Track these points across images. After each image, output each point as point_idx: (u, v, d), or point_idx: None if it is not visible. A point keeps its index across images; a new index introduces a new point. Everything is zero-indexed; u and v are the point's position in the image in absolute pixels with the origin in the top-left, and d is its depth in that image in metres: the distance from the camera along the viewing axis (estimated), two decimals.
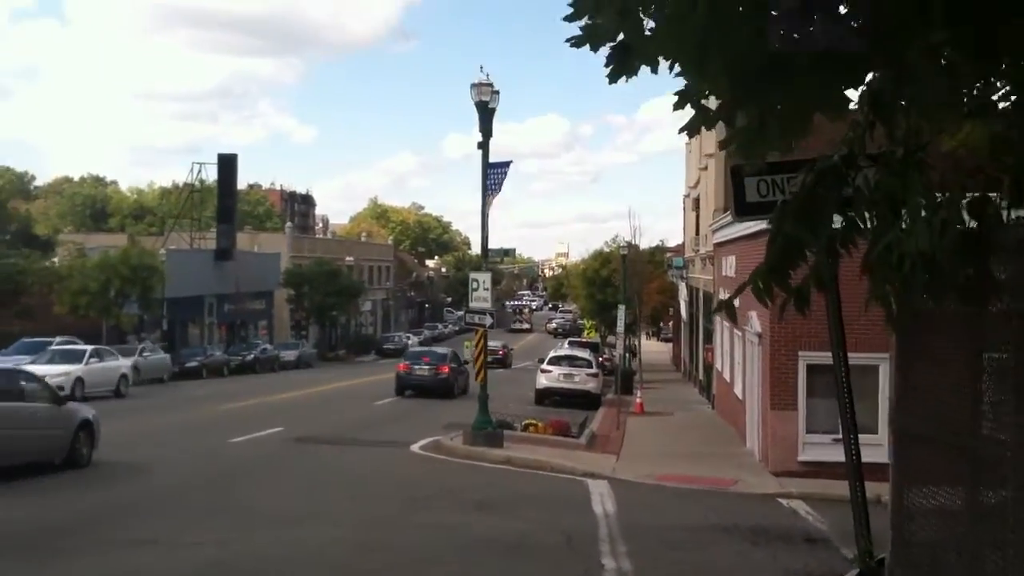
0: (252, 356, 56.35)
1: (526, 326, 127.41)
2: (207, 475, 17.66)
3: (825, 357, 20.24)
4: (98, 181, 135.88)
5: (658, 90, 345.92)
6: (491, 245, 24.83)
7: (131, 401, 34.80)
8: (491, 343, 69.44)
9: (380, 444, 22.86)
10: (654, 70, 5.04)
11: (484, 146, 21.86)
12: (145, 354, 44.37)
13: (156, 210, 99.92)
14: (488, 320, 21.75)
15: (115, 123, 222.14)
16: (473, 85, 21.78)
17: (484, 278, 22.08)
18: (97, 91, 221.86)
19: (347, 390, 41.48)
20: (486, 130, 21.90)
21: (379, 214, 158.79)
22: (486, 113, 21.84)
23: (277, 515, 14.04)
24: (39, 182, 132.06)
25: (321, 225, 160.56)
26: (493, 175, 21.46)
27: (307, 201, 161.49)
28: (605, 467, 20.10)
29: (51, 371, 30.90)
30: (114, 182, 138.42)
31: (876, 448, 20.45)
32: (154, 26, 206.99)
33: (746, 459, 22.15)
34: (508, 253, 30.31)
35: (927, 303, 5.86)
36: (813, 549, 13.78)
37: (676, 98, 5.13)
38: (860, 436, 18.47)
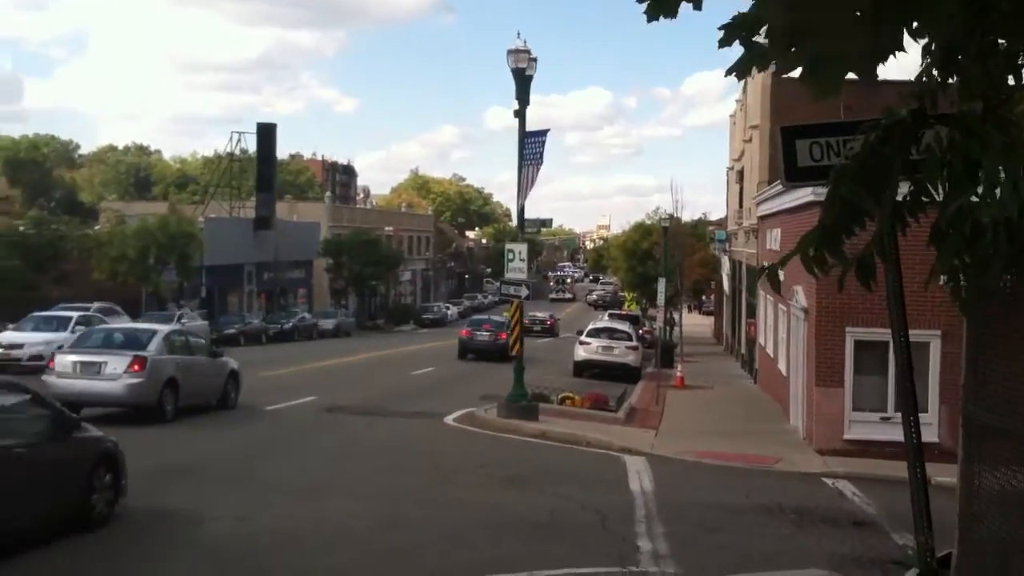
0: (290, 324, 56.29)
1: (568, 295, 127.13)
2: (237, 445, 17.34)
3: (873, 333, 19.62)
4: (142, 150, 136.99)
5: (704, 64, 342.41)
6: (530, 216, 24.28)
7: None
8: (539, 313, 71.33)
9: (413, 416, 22.45)
10: (697, 6, 4.38)
11: (521, 114, 21.24)
12: (183, 321, 44.24)
13: (199, 179, 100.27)
14: (524, 292, 21.21)
15: (160, 94, 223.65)
16: (510, 51, 21.14)
17: (520, 249, 21.51)
18: (142, 62, 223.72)
19: (384, 359, 41.16)
20: (523, 98, 21.26)
21: (420, 185, 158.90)
22: (523, 81, 21.20)
23: (301, 487, 13.65)
24: (84, 151, 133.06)
25: (362, 196, 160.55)
26: (531, 144, 20.82)
27: (348, 172, 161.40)
28: (643, 442, 19.55)
29: (31, 339, 30.29)
30: (158, 151, 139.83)
31: (925, 427, 19.75)
32: None
33: (790, 437, 21.51)
34: (545, 223, 29.39)
35: (1004, 279, 5.18)
36: (861, 533, 13.16)
37: (721, 33, 4.45)
38: None
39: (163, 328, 22.09)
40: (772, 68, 4.73)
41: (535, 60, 21.49)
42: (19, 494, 9.62)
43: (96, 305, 38.43)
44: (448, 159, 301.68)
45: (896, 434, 18.02)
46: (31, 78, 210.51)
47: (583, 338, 37.23)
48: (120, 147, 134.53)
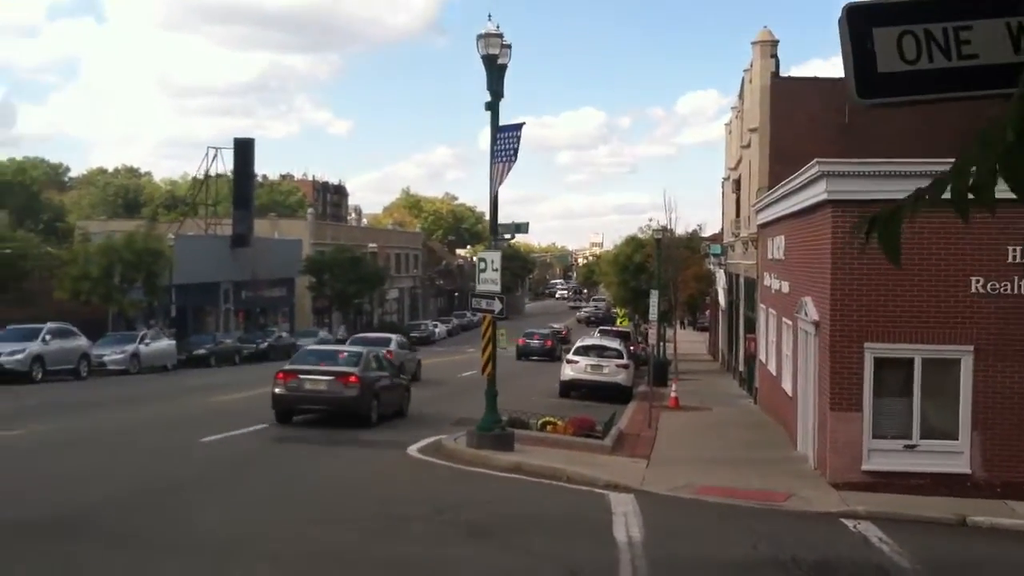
0: (266, 344, 53.71)
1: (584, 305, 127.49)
2: (150, 485, 14.75)
3: (896, 349, 17.12)
4: (132, 172, 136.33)
5: (698, 84, 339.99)
6: (522, 236, 21.82)
7: (111, 388, 32.34)
8: (555, 324, 72.48)
9: (374, 445, 19.93)
10: None
11: (493, 107, 18.78)
12: (146, 341, 41.80)
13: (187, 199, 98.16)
14: (497, 305, 18.69)
15: (152, 118, 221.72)
16: (480, 36, 18.73)
17: (493, 257, 19.00)
18: (135, 87, 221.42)
19: None
20: (495, 89, 18.81)
21: (412, 204, 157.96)
22: (495, 69, 18.78)
23: (206, 542, 11.13)
24: (74, 173, 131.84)
25: (354, 215, 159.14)
26: (503, 140, 18.36)
27: (339, 191, 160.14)
28: (633, 476, 17.03)
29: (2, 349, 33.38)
30: (148, 173, 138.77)
31: (956, 456, 17.31)
32: (189, 23, 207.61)
33: (799, 466, 18.99)
34: (520, 228, 26.68)
35: None
36: None
37: None
38: (937, 442, 15.24)
39: None
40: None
41: (509, 47, 19.08)
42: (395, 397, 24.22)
43: (49, 325, 36.05)
44: (442, 179, 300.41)
45: (923, 464, 15.47)
46: (24, 104, 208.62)
47: (570, 356, 34.72)
48: (110, 170, 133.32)
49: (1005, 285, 16.40)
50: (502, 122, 18.76)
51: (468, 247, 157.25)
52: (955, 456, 16.72)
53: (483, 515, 13.19)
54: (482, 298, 18.96)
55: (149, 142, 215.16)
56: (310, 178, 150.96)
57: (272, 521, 12.53)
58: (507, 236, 20.11)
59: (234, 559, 10.48)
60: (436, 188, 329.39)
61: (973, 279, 16.49)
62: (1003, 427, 16.50)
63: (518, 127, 18.21)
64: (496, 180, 18.39)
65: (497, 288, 18.85)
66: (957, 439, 16.71)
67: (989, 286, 16.43)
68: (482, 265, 19.12)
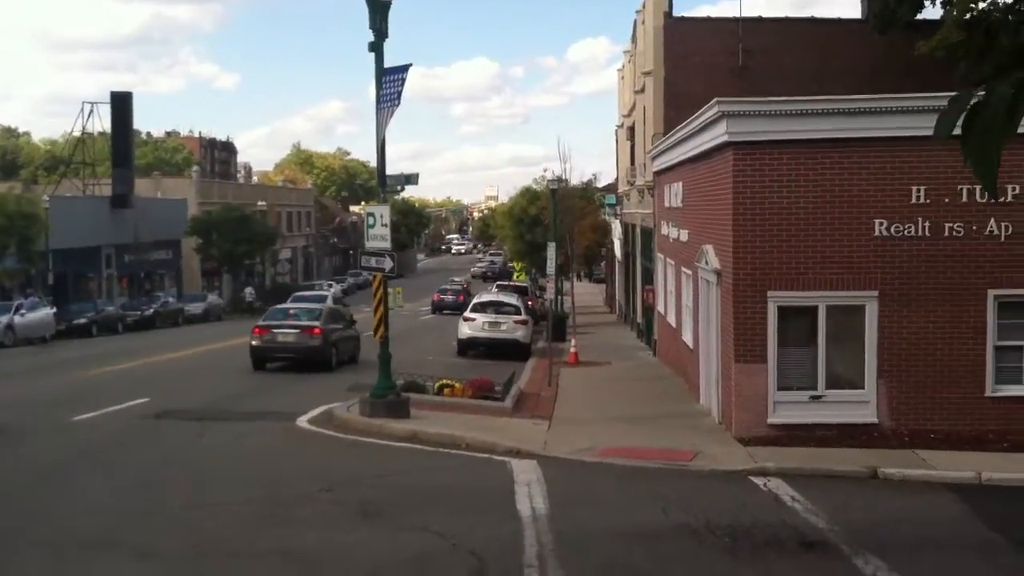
0: (152, 310, 51.55)
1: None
2: (10, 472, 13.47)
3: (799, 297, 16.61)
4: (9, 132, 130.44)
5: (589, 31, 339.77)
6: (416, 190, 20.81)
7: None
8: (456, 278, 71.78)
9: (261, 416, 18.81)
10: None
11: (377, 47, 17.56)
12: (22, 312, 39.58)
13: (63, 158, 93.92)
14: (388, 263, 17.63)
15: (28, 75, 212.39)
16: None
17: (382, 212, 17.88)
18: (9, 41, 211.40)
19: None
20: (379, 28, 17.58)
21: (303, 160, 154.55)
22: (378, 6, 17.54)
23: (70, 536, 10.02)
24: None
25: (243, 173, 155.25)
26: (389, 83, 17.22)
27: (228, 148, 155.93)
28: (534, 440, 16.28)
29: None
30: (26, 133, 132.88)
31: (862, 406, 16.93)
32: None
33: (703, 421, 18.49)
34: (410, 179, 25.53)
35: None
36: (816, 558, 10.16)
37: None
38: (843, 392, 14.80)
39: None
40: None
41: None
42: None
43: None
44: (333, 134, 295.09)
45: (829, 415, 15.00)
46: None
47: (467, 313, 33.86)
48: None
49: (909, 227, 15.98)
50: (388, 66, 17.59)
51: (362, 203, 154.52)
52: (861, 406, 16.35)
53: (377, 491, 12.28)
54: (371, 256, 17.89)
55: (27, 100, 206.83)
56: (196, 135, 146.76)
57: (145, 509, 11.42)
58: (397, 188, 18.95)
59: (102, 555, 9.42)
60: (328, 143, 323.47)
61: (876, 222, 16.03)
62: (909, 375, 16.17)
63: (403, 69, 17.07)
64: (382, 125, 17.28)
65: (388, 245, 17.80)
66: (863, 388, 16.34)
67: (893, 228, 16.00)
68: (371, 220, 18.02)
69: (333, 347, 27.36)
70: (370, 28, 17.52)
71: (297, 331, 27.28)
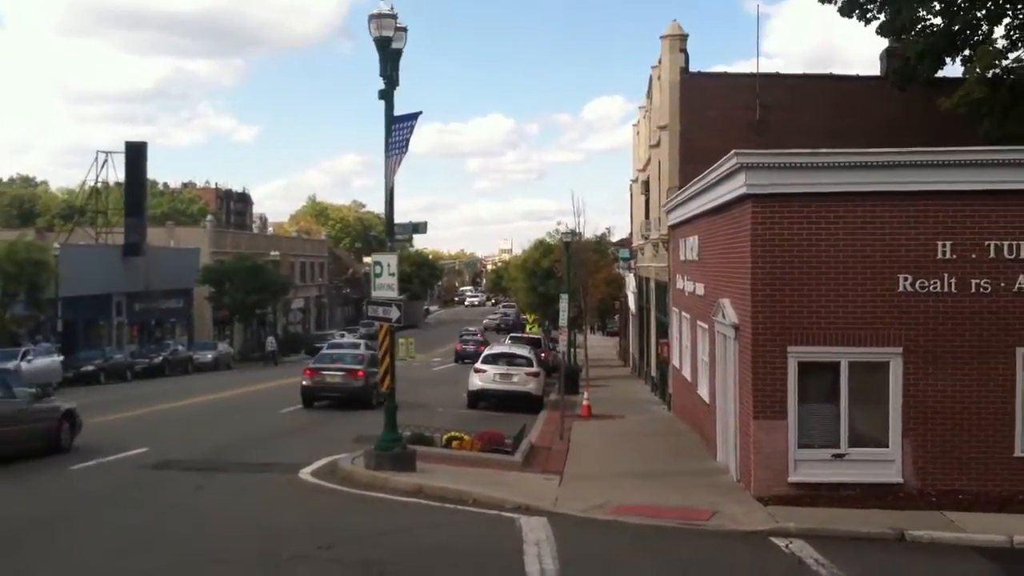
0: (160, 358, 51.18)
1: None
2: None
3: (821, 353, 16.06)
4: (27, 182, 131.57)
5: (604, 89, 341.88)
6: (430, 242, 20.47)
7: None
8: (471, 328, 70.89)
9: (263, 468, 18.26)
10: None
11: (387, 95, 17.25)
12: (29, 358, 39.22)
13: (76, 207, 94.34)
14: (394, 313, 17.17)
15: (49, 126, 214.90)
16: (372, 17, 17.21)
17: (389, 260, 17.45)
18: (31, 94, 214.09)
19: (255, 396, 36.50)
20: (389, 75, 17.28)
21: (319, 212, 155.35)
22: (388, 53, 17.27)
23: None
24: None
25: (259, 223, 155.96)
26: (398, 131, 16.89)
27: (243, 199, 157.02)
28: (545, 496, 15.68)
29: None
30: (44, 182, 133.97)
31: (886, 465, 16.30)
32: (89, 27, 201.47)
33: (720, 479, 17.86)
34: (418, 228, 25.09)
35: None
36: None
37: None
38: (867, 450, 14.18)
39: None
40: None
41: (405, 30, 17.62)
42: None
43: None
44: (349, 187, 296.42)
45: (852, 474, 14.38)
46: None
47: (478, 365, 33.31)
48: (4, 179, 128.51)
49: (935, 283, 15.46)
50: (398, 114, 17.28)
51: (375, 255, 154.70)
52: (886, 465, 15.73)
53: (379, 550, 11.70)
54: (378, 305, 17.44)
55: (46, 151, 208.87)
56: (213, 186, 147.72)
57: (133, 569, 10.85)
58: (405, 237, 18.56)
59: None
60: (343, 196, 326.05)
61: (901, 277, 15.52)
62: (935, 433, 15.55)
63: (413, 116, 16.73)
64: (391, 173, 16.93)
65: (394, 294, 17.35)
66: (888, 446, 15.73)
67: (918, 284, 15.48)
68: (377, 269, 17.59)
69: (374, 388, 29.12)
70: (380, 76, 17.23)
71: (343, 373, 31.46)
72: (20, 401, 19.38)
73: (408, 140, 16.58)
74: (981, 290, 15.44)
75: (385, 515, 14.05)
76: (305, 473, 17.54)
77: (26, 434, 18.81)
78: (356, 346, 49.87)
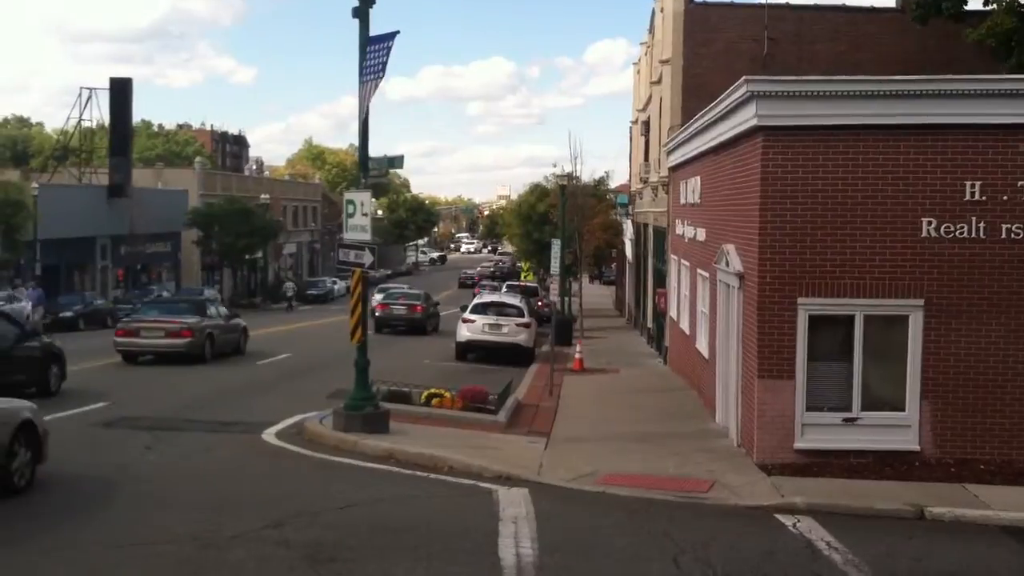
0: (141, 304, 49.54)
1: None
2: None
3: (834, 305, 14.51)
4: (22, 122, 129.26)
5: (606, 31, 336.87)
6: (426, 187, 18.79)
7: None
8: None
9: (226, 427, 16.87)
10: None
11: (362, 13, 15.57)
12: (12, 304, 37.64)
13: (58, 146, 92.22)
14: (367, 258, 15.65)
15: (44, 66, 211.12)
16: None
17: (362, 199, 15.88)
18: (25, 33, 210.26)
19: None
20: None
21: (315, 155, 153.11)
22: None
23: None
24: None
25: (255, 167, 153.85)
26: (374, 53, 15.24)
27: (239, 142, 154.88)
28: (528, 463, 14.29)
29: None
30: (40, 123, 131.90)
31: (903, 430, 14.81)
32: None
33: (720, 443, 16.46)
34: (394, 163, 23.23)
35: None
36: None
37: None
38: (881, 414, 12.73)
39: None
40: None
41: None
42: None
43: None
44: (348, 130, 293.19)
45: (865, 440, 12.76)
46: None
47: (467, 315, 31.80)
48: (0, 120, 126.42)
49: (961, 227, 13.96)
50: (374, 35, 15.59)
51: (372, 199, 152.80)
52: (902, 430, 14.32)
53: (334, 530, 10.27)
54: (350, 249, 15.92)
55: (43, 91, 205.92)
56: (208, 128, 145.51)
57: (54, 544, 9.45)
58: (378, 172, 16.96)
59: None
60: (342, 140, 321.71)
61: (924, 221, 14.00)
62: (957, 396, 14.14)
63: (390, 37, 15.03)
64: (365, 99, 15.30)
65: (368, 236, 15.82)
66: (904, 410, 14.30)
67: (943, 229, 13.97)
68: (350, 208, 16.04)
69: (428, 319, 41.49)
70: None
71: (406, 308, 41.60)
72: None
73: (385, 64, 14.93)
74: (1013, 235, 13.95)
75: (348, 485, 12.62)
76: (269, 434, 16.13)
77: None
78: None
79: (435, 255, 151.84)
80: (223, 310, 31.60)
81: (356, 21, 15.70)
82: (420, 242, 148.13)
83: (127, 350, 27.29)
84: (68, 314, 42.96)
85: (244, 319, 33.20)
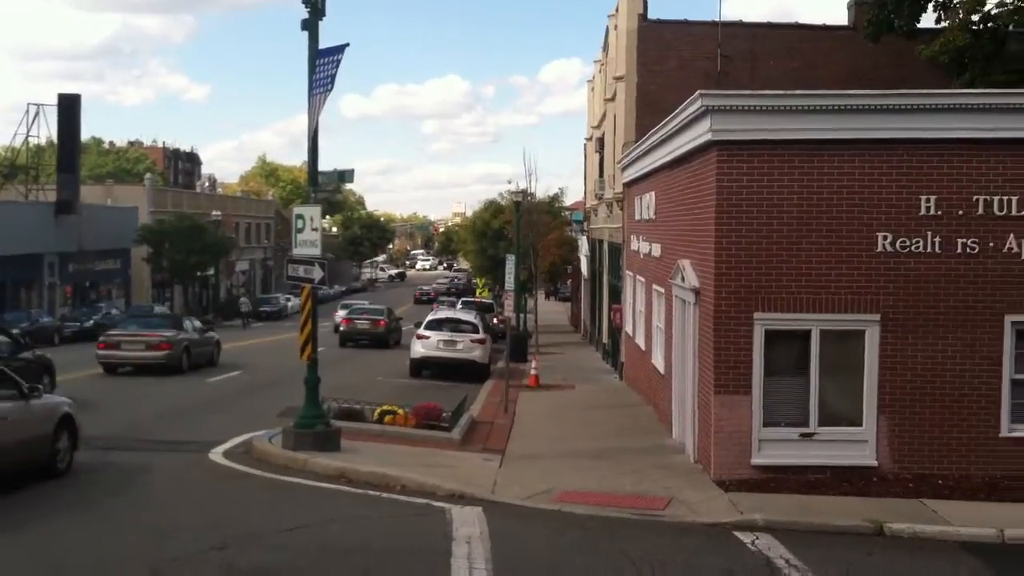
0: (92, 322, 48.72)
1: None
2: None
3: (790, 320, 14.40)
4: None
5: (559, 52, 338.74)
6: (382, 204, 18.49)
7: None
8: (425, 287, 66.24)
9: (175, 447, 16.44)
10: None
11: (311, 25, 15.31)
12: None
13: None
14: (317, 273, 15.34)
15: None
16: None
17: (312, 214, 15.58)
18: None
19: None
20: (314, 4, 15.31)
21: (269, 172, 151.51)
22: None
23: None
24: None
25: (207, 183, 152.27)
26: (323, 66, 14.98)
27: (192, 159, 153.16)
28: (482, 481, 14.02)
29: None
30: None
31: (860, 445, 14.68)
32: None
33: (676, 459, 16.28)
34: (344, 176, 22.67)
35: None
36: None
37: None
38: (838, 429, 12.65)
39: None
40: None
41: None
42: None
43: None
44: (302, 148, 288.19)
45: (822, 456, 12.61)
46: None
47: (421, 331, 31.48)
48: None
49: (917, 242, 13.92)
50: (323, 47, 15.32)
51: (327, 217, 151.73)
52: (859, 446, 14.23)
53: (280, 553, 9.93)
54: (299, 264, 15.60)
55: None
56: (160, 145, 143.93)
57: None
58: (328, 186, 16.64)
59: None
60: (297, 157, 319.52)
61: (879, 235, 13.96)
62: (914, 411, 14.07)
63: (339, 49, 14.79)
64: (314, 113, 15.02)
65: (318, 251, 15.51)
66: (862, 425, 14.21)
67: (898, 243, 13.93)
68: (299, 224, 15.73)
69: (390, 333, 43.21)
70: (303, 2, 15.26)
71: (370, 322, 43.23)
72: None
73: (334, 76, 14.68)
74: (968, 250, 13.93)
75: (297, 506, 12.25)
76: (217, 453, 15.72)
77: None
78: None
79: (394, 272, 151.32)
80: (198, 324, 33.45)
81: (306, 34, 15.48)
82: (379, 259, 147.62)
83: (108, 362, 28.73)
84: (14, 331, 41.94)
85: None
